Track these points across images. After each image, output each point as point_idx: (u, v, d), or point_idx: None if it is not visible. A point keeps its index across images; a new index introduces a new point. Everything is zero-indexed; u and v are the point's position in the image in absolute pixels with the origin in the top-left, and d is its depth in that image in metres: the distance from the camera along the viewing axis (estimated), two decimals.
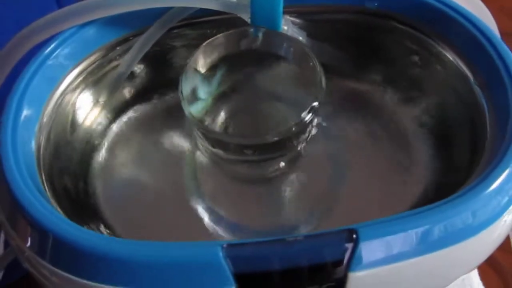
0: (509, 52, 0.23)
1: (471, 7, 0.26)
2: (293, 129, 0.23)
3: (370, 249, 0.18)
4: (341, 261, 0.18)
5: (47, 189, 0.22)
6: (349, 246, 0.18)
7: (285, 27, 0.26)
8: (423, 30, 0.26)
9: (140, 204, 0.25)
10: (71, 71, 0.25)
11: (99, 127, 0.27)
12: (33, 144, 0.23)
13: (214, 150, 0.25)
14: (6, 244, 0.34)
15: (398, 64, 0.28)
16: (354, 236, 0.18)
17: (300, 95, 0.24)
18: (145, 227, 0.25)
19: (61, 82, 0.25)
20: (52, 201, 0.22)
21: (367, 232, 0.18)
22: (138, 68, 0.28)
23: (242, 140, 0.24)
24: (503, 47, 0.23)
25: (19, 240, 0.20)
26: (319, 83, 0.24)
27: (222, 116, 0.24)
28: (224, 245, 0.18)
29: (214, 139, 0.24)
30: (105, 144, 0.27)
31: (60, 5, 0.47)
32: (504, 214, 0.20)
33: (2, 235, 0.35)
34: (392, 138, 0.26)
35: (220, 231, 0.24)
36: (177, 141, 0.27)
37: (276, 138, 0.23)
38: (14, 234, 0.21)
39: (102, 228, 0.24)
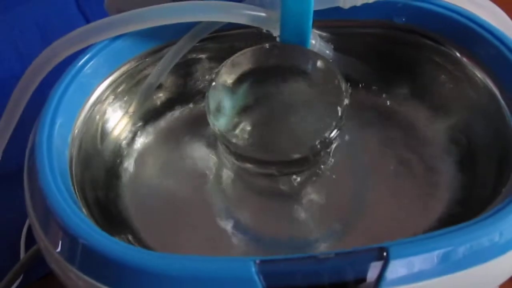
0: None
1: (495, 21, 0.26)
2: (318, 146, 0.23)
3: (399, 267, 0.18)
4: (371, 278, 0.18)
5: (79, 199, 0.22)
6: (380, 263, 0.18)
7: (313, 41, 0.26)
8: (450, 46, 0.26)
9: (168, 215, 0.26)
10: (102, 82, 0.26)
11: (127, 138, 0.28)
12: (67, 155, 0.23)
13: (238, 163, 0.25)
14: (27, 247, 0.35)
15: (425, 80, 0.28)
16: (385, 254, 0.18)
17: (325, 112, 0.24)
18: (173, 237, 0.25)
19: (92, 93, 0.25)
20: (85, 210, 0.22)
21: (398, 250, 0.18)
22: (167, 79, 0.28)
23: (266, 156, 0.24)
24: None
25: (49, 244, 0.21)
26: (343, 100, 0.24)
27: (246, 130, 0.24)
28: (257, 261, 0.18)
29: (238, 153, 0.25)
30: (133, 154, 0.28)
31: (79, 7, 0.48)
32: None
33: (23, 238, 0.35)
34: (417, 154, 0.27)
35: (243, 242, 0.25)
36: (203, 151, 0.28)
37: (299, 156, 0.23)
38: (45, 239, 0.21)
39: (130, 238, 0.24)
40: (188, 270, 0.18)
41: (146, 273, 0.19)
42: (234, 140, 0.24)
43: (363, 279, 0.18)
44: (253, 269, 0.18)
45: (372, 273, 0.18)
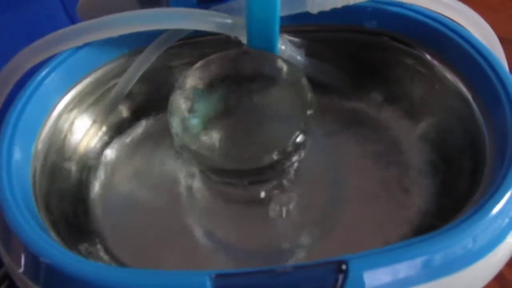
0: (508, 73, 0.23)
1: (474, 28, 0.26)
2: (275, 158, 0.23)
3: (360, 281, 0.18)
4: None
5: (42, 214, 0.22)
6: (340, 277, 0.18)
7: (283, 47, 0.26)
8: (422, 50, 0.26)
9: (138, 226, 0.25)
10: (67, 93, 0.25)
11: (96, 148, 0.27)
12: (29, 169, 0.23)
13: (204, 172, 0.25)
14: None
15: (398, 84, 0.27)
16: (344, 267, 0.18)
17: (291, 118, 0.24)
18: (143, 248, 0.25)
19: (56, 105, 0.25)
20: (48, 225, 0.22)
21: (358, 263, 0.18)
22: (136, 88, 0.28)
23: (228, 165, 0.23)
24: (502, 68, 0.23)
25: (12, 263, 0.21)
26: (308, 108, 0.24)
27: (210, 138, 0.24)
28: (213, 275, 0.18)
29: (201, 162, 0.24)
30: (102, 165, 0.27)
31: (68, 14, 0.48)
32: (506, 237, 0.20)
33: None
34: (391, 160, 0.26)
35: (213, 253, 0.24)
36: (175, 161, 0.27)
37: (264, 163, 0.23)
38: (7, 257, 0.21)
39: (100, 250, 0.24)
40: (144, 285, 0.18)
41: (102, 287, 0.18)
42: (196, 149, 0.23)
43: None
44: (208, 284, 0.18)
45: (331, 287, 0.18)
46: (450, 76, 0.25)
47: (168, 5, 0.26)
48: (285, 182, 0.25)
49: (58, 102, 0.25)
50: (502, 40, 0.27)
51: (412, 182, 0.25)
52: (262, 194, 0.25)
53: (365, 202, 0.25)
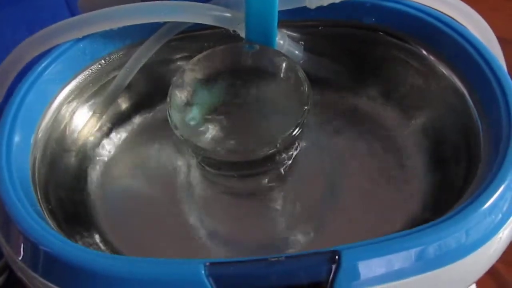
0: (503, 68, 0.23)
1: (471, 25, 0.26)
2: (271, 150, 0.23)
3: (353, 271, 0.18)
4: (324, 282, 0.18)
5: (41, 203, 0.22)
6: (333, 267, 0.18)
7: (281, 41, 0.26)
8: (419, 46, 0.26)
9: (135, 216, 0.26)
10: (67, 84, 0.26)
11: (96, 139, 0.28)
12: (29, 158, 0.23)
13: (202, 164, 0.25)
14: None
15: (395, 79, 0.27)
16: (337, 257, 0.18)
17: (288, 112, 0.24)
18: (140, 239, 0.25)
19: (56, 96, 0.25)
20: (46, 214, 0.22)
21: (351, 254, 0.18)
22: (136, 80, 0.28)
23: (224, 157, 0.24)
24: (497, 63, 0.23)
25: (11, 251, 0.21)
26: (306, 101, 0.24)
27: (207, 130, 0.24)
28: (207, 264, 0.18)
29: (200, 154, 0.25)
30: (101, 155, 0.28)
31: (70, 8, 0.48)
32: (499, 232, 0.20)
33: None
34: (387, 154, 0.26)
35: (210, 244, 0.24)
36: (173, 154, 0.28)
37: (261, 155, 0.23)
38: (7, 246, 0.21)
39: (97, 239, 0.24)
40: (139, 273, 0.18)
41: (98, 275, 0.19)
42: (195, 141, 0.24)
43: (316, 283, 0.18)
44: (203, 272, 0.18)
45: (324, 277, 0.18)
46: (446, 71, 0.25)
47: None
48: (281, 175, 0.26)
49: (58, 93, 0.25)
50: (502, 39, 0.27)
51: (408, 176, 0.25)
52: (258, 186, 0.26)
53: (361, 195, 0.25)
